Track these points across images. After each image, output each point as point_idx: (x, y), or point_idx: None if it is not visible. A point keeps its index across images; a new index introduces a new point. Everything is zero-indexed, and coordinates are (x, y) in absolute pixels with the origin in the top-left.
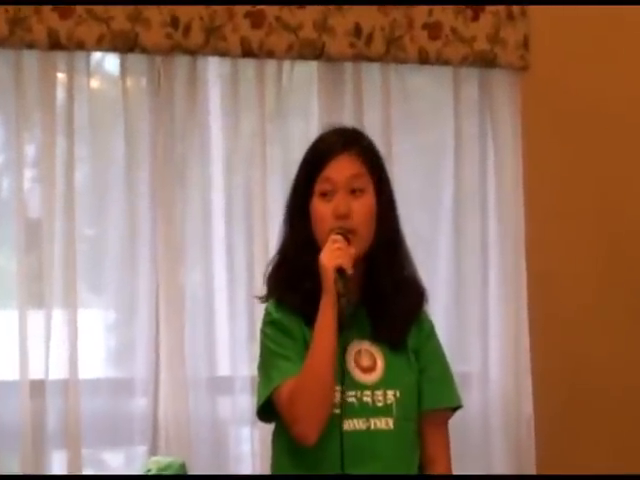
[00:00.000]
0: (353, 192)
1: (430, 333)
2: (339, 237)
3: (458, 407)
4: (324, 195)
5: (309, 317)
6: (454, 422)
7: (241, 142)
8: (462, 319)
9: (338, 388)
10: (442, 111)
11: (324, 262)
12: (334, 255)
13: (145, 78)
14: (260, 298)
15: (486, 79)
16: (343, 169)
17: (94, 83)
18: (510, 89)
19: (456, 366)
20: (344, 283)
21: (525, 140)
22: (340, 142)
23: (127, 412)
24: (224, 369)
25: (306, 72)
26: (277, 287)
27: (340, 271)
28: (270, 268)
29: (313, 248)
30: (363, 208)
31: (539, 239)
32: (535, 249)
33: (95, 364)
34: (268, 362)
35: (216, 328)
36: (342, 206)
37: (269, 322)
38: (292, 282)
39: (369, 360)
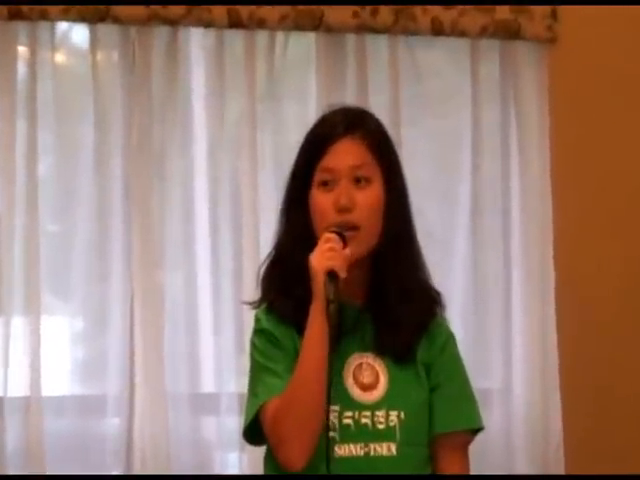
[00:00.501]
0: (358, 182)
1: (445, 344)
2: (332, 235)
3: (479, 430)
4: (324, 185)
5: (301, 326)
6: (472, 443)
7: (228, 126)
8: (481, 327)
9: (335, 408)
10: (458, 90)
11: (314, 264)
12: (325, 256)
13: (118, 52)
14: (251, 304)
15: (508, 53)
16: (345, 156)
17: (59, 58)
18: (536, 64)
19: (475, 381)
20: (334, 288)
21: (553, 123)
22: (342, 124)
23: (97, 434)
24: (208, 385)
25: (302, 45)
26: (269, 290)
27: (331, 274)
28: (264, 267)
29: (310, 245)
30: (368, 200)
31: (569, 236)
32: (565, 248)
33: (61, 379)
34: (255, 377)
35: (199, 338)
36: (344, 198)
37: (258, 331)
38: (285, 284)
39: (370, 376)
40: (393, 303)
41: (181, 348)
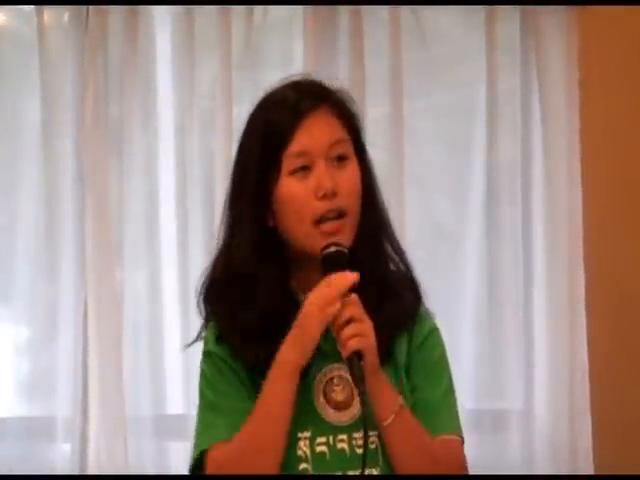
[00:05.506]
0: (336, 160)
1: (426, 339)
2: (356, 298)
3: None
4: (298, 171)
5: (254, 359)
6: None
7: (198, 98)
8: (497, 338)
9: (306, 434)
10: (471, 57)
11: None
12: (350, 332)
13: (68, 12)
14: (197, 339)
15: (530, 13)
16: (318, 134)
17: (0, 18)
18: (563, 26)
19: (490, 401)
20: (360, 371)
21: (584, 96)
22: (305, 99)
23: (45, 461)
24: (175, 405)
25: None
26: (217, 309)
27: (359, 355)
28: (205, 279)
29: (273, 253)
30: (350, 181)
31: (602, 231)
32: (597, 245)
33: (2, 398)
34: (200, 412)
35: (165, 351)
36: (327, 181)
37: (206, 355)
38: (236, 307)
39: (344, 391)
40: (371, 300)
41: (143, 362)
